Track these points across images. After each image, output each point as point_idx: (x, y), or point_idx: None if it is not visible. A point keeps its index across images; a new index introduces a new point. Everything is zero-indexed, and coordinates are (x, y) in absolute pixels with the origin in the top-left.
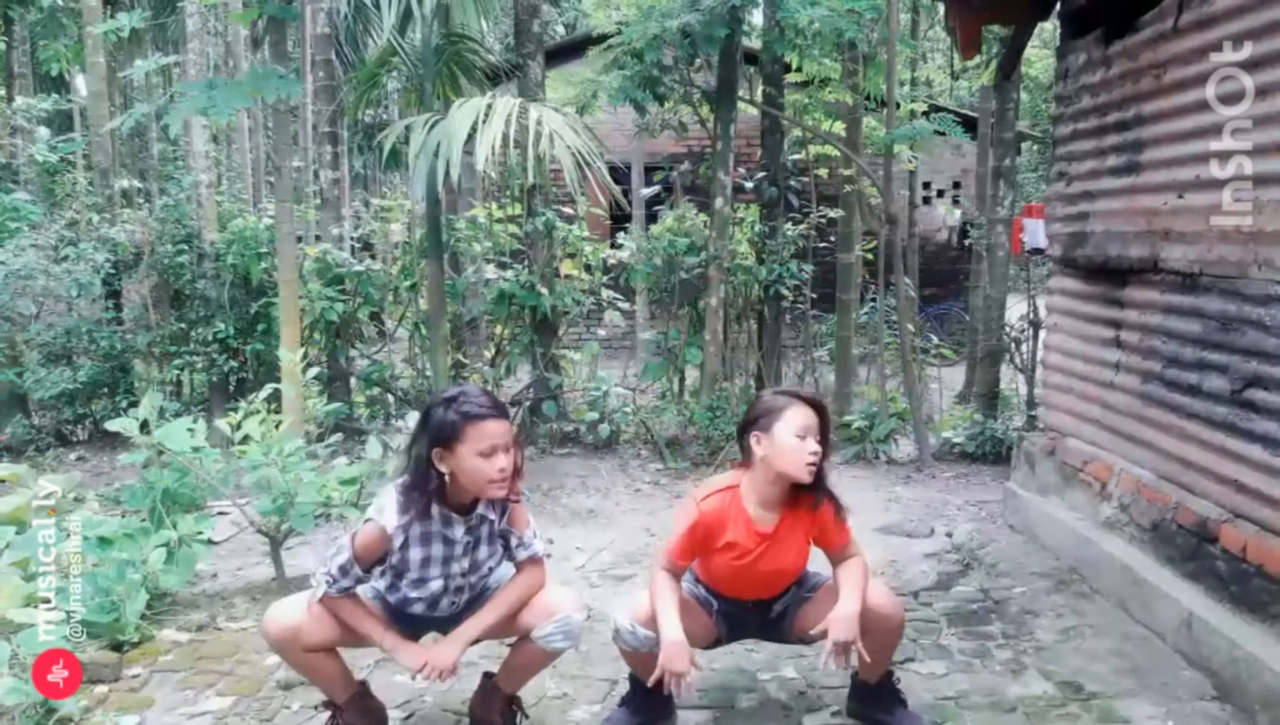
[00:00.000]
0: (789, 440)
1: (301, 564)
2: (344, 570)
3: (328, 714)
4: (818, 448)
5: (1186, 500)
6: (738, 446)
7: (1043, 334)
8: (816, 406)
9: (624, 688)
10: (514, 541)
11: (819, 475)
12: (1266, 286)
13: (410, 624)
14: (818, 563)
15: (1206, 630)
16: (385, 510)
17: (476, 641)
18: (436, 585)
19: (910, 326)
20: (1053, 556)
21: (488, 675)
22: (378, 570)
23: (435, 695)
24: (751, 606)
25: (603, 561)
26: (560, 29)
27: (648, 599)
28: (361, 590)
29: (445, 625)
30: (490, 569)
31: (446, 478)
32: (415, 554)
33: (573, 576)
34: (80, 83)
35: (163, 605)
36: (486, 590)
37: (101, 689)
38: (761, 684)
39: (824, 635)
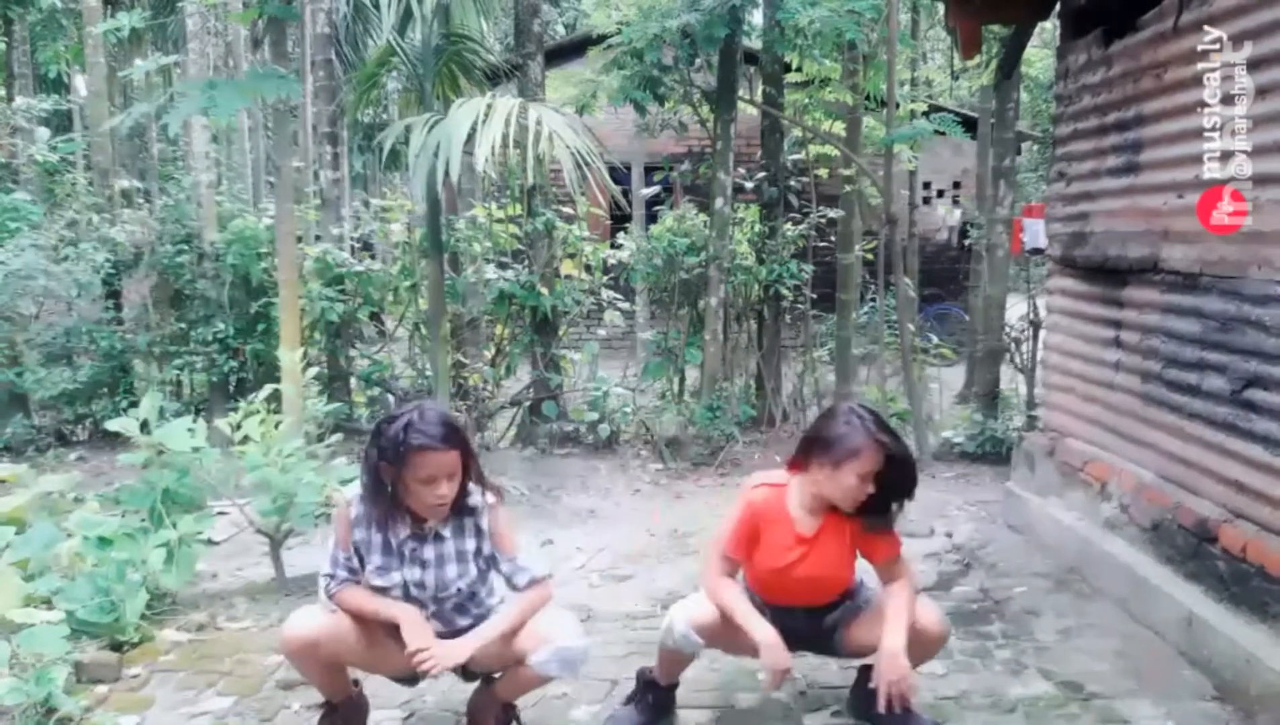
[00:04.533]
0: (850, 480)
1: (301, 564)
2: (334, 560)
3: (321, 712)
4: (871, 491)
5: (1187, 500)
6: (800, 448)
7: (1043, 334)
8: (890, 455)
9: (624, 688)
10: (506, 568)
11: (880, 507)
12: (1266, 286)
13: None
14: (869, 572)
15: (1207, 630)
16: (353, 485)
17: (484, 674)
18: (397, 577)
19: (910, 326)
20: (1053, 556)
21: (487, 679)
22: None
23: (436, 695)
24: (803, 615)
25: (603, 561)
26: (560, 29)
27: (708, 606)
28: None
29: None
30: (459, 589)
31: (389, 488)
32: (376, 537)
33: (573, 576)
34: (80, 83)
35: (163, 605)
36: (479, 614)
37: (101, 689)
38: (761, 684)
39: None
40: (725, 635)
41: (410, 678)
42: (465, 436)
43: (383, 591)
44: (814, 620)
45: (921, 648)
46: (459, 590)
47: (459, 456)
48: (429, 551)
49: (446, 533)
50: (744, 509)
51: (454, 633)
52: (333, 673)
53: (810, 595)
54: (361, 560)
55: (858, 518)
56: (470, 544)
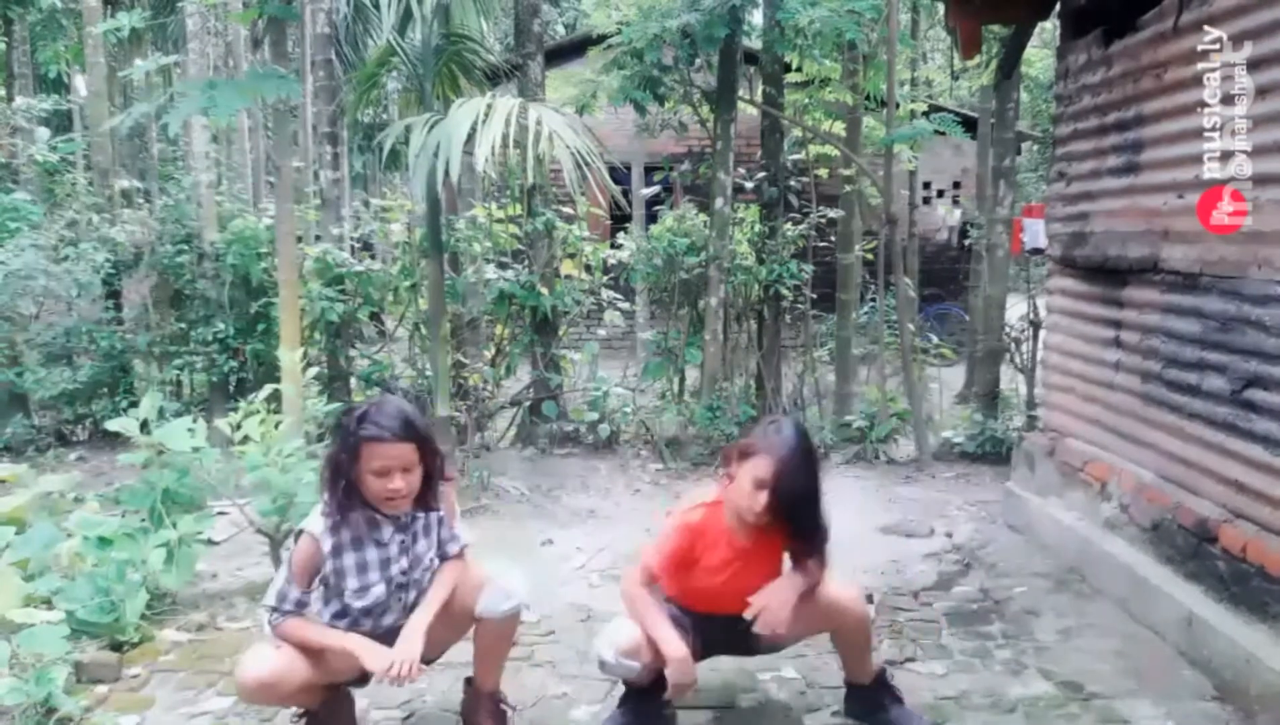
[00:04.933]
0: (745, 484)
1: None
2: (282, 596)
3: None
4: (764, 502)
5: (1186, 500)
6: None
7: (1043, 334)
8: (779, 468)
9: (623, 688)
10: (445, 534)
11: (799, 530)
12: (1266, 286)
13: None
14: None
15: (1207, 630)
16: (312, 518)
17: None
18: (379, 590)
19: (910, 326)
20: (1053, 556)
21: (468, 681)
22: (317, 595)
23: (436, 695)
24: (722, 623)
25: (603, 561)
26: (560, 29)
27: (629, 628)
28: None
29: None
30: (432, 561)
31: (351, 483)
32: (349, 560)
33: (573, 576)
34: (80, 83)
35: (163, 605)
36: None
37: (101, 689)
38: (761, 684)
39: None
40: (653, 650)
41: (363, 679)
42: (425, 432)
43: (367, 612)
44: (733, 625)
45: (849, 630)
46: (431, 561)
47: (414, 450)
48: (408, 537)
49: (419, 513)
50: (682, 534)
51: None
52: (300, 695)
53: (736, 604)
54: (334, 588)
55: (787, 541)
56: (433, 516)
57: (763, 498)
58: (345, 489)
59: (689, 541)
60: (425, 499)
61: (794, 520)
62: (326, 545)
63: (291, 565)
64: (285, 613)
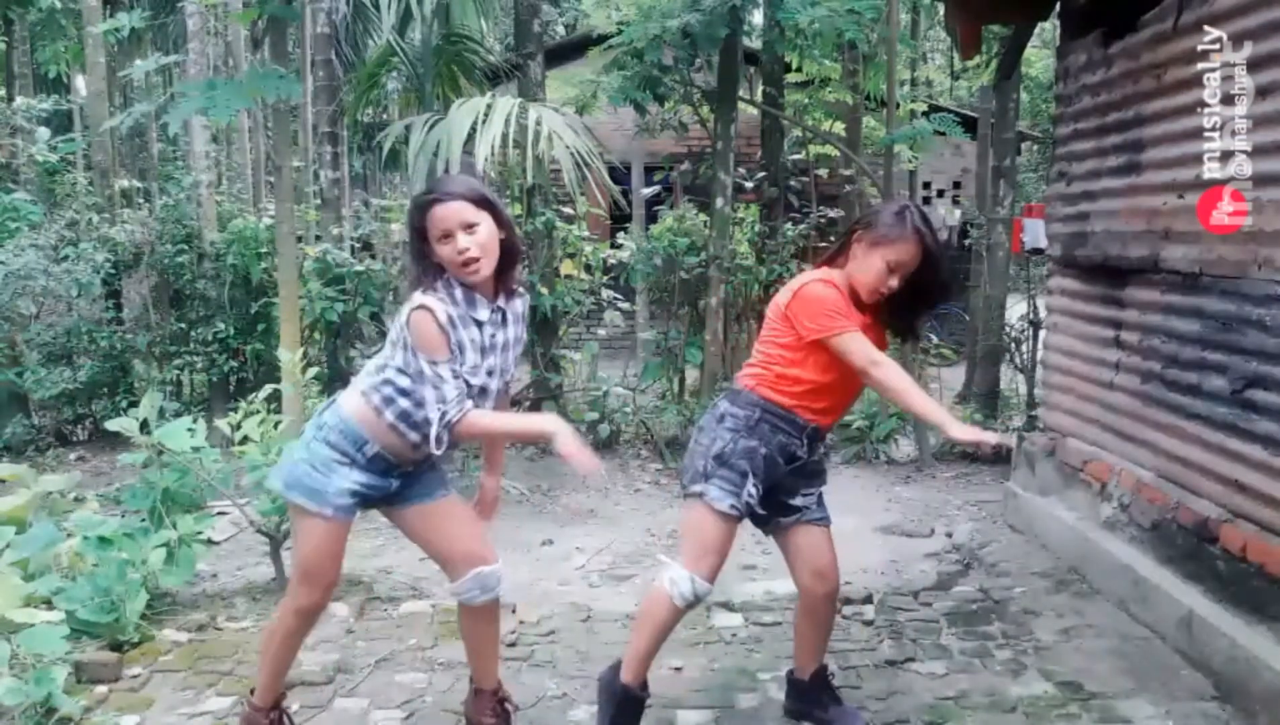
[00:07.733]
0: (878, 264)
1: None
2: (443, 387)
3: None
4: (893, 286)
5: (1187, 500)
6: (845, 234)
7: (1043, 334)
8: (923, 249)
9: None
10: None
11: (907, 313)
12: (1266, 286)
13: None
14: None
15: (1207, 630)
16: (414, 299)
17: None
18: (484, 374)
19: None
20: (1053, 556)
21: (472, 680)
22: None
23: (435, 695)
24: (805, 445)
25: (603, 561)
26: (560, 29)
27: (704, 550)
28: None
29: None
30: (510, 375)
31: (433, 263)
32: (464, 334)
33: (573, 576)
34: (80, 83)
35: (163, 605)
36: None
37: (101, 689)
38: (761, 684)
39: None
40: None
41: None
42: (483, 191)
43: (482, 391)
44: (806, 459)
45: (817, 599)
46: (509, 376)
47: (470, 206)
48: (500, 336)
49: (510, 316)
50: (832, 288)
51: None
52: (290, 655)
53: (854, 393)
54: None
55: (885, 324)
56: (522, 330)
57: (894, 282)
58: (430, 269)
59: (836, 291)
60: (506, 279)
61: (918, 303)
62: (443, 315)
63: (425, 346)
64: (459, 408)
